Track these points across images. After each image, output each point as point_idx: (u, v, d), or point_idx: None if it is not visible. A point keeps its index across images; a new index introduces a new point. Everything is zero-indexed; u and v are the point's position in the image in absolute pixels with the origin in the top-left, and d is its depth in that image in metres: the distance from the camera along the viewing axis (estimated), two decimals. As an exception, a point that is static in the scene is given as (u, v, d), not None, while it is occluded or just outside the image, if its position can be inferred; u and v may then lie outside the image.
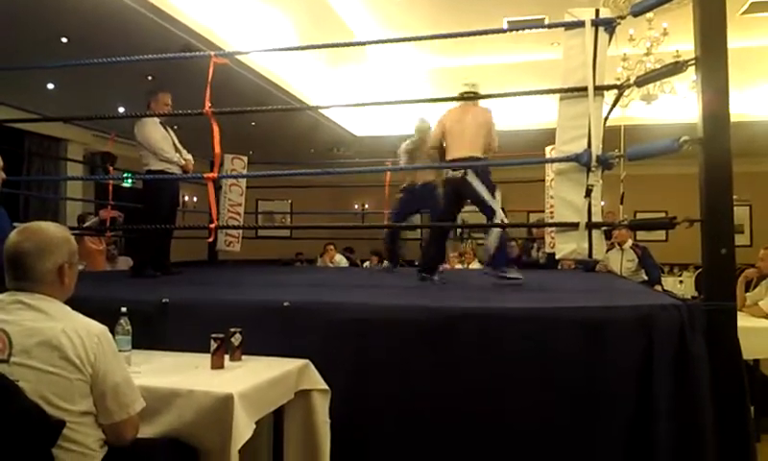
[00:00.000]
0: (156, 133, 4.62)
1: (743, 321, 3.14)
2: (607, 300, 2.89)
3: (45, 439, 1.61)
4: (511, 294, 3.58)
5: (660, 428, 2.28)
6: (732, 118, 2.49)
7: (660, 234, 11.32)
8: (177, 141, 4.83)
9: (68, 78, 6.93)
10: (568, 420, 2.40)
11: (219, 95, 3.64)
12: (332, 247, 8.81)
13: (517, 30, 3.59)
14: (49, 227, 1.87)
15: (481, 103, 4.15)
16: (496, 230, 3.97)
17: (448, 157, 4.06)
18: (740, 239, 11.02)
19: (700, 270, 2.58)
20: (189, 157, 4.86)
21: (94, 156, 9.20)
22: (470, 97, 4.03)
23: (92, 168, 9.19)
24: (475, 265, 8.61)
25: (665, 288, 6.00)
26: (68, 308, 1.82)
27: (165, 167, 4.63)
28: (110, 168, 7.09)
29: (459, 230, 10.36)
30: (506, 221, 4.11)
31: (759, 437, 3.59)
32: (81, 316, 1.81)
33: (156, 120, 4.66)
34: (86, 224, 6.31)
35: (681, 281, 9.37)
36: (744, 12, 6.41)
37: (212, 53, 3.68)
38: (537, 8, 6.36)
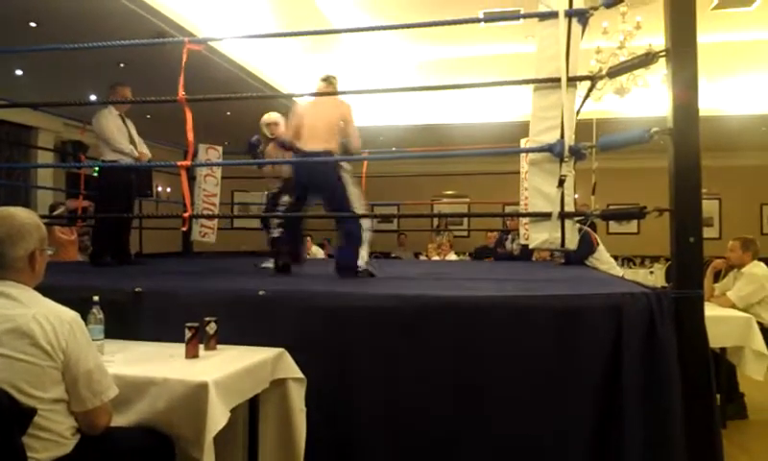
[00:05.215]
0: (112, 124, 4.82)
1: (710, 310, 3.22)
2: (578, 288, 2.93)
3: (15, 427, 1.59)
4: (486, 283, 3.63)
5: (630, 413, 2.33)
6: (703, 113, 2.54)
7: (633, 227, 11.54)
8: (134, 133, 5.00)
9: (38, 64, 6.77)
10: (541, 404, 2.45)
11: (193, 84, 3.59)
12: (309, 238, 8.78)
13: (493, 21, 3.61)
14: (19, 212, 1.84)
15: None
16: None
17: None
18: (710, 232, 11.28)
19: (670, 262, 2.64)
20: (145, 150, 5.03)
21: (65, 144, 9.03)
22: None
23: (63, 157, 9.03)
24: (452, 256, 8.67)
25: (636, 280, 6.09)
26: (39, 295, 1.80)
27: (118, 158, 4.81)
28: (82, 157, 6.98)
29: (436, 222, 10.46)
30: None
31: (725, 423, 3.69)
32: (52, 302, 1.79)
33: (115, 112, 4.88)
34: (56, 213, 6.21)
35: (651, 272, 9.56)
36: (715, 8, 6.52)
37: (186, 39, 3.63)
38: (517, 1, 6.37)
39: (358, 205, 3.93)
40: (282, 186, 5.12)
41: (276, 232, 4.60)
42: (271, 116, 5.26)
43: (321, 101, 4.11)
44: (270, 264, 4.69)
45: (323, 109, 4.04)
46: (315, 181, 3.97)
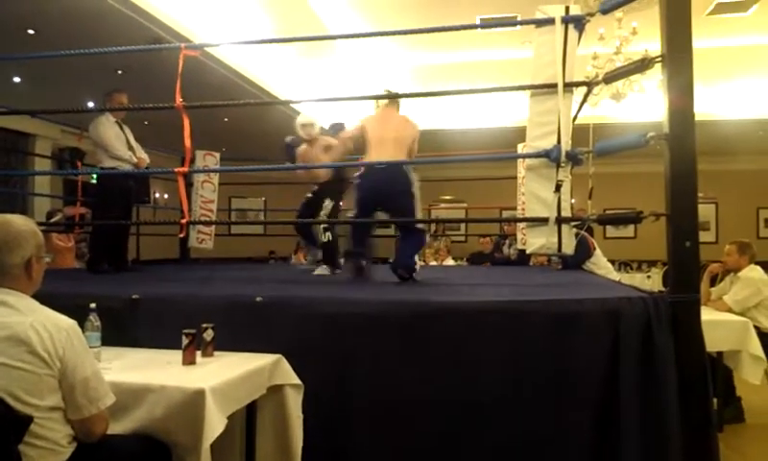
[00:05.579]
0: (110, 131, 4.78)
1: (707, 314, 3.22)
2: (575, 293, 2.94)
3: (12, 435, 1.58)
4: (484, 288, 3.63)
5: (627, 417, 2.33)
6: (699, 117, 2.55)
7: (630, 231, 11.56)
8: (132, 140, 4.97)
9: (35, 71, 6.78)
10: (539, 408, 2.45)
11: (190, 90, 3.60)
12: (306, 245, 8.77)
13: (489, 27, 3.62)
14: (16, 220, 1.84)
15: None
16: None
17: None
18: (706, 236, 11.30)
19: (667, 267, 2.64)
20: (143, 155, 5.00)
21: (62, 151, 9.03)
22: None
23: (60, 164, 9.03)
24: (449, 262, 8.67)
25: (633, 285, 6.06)
26: (36, 303, 1.80)
27: (117, 165, 4.78)
28: (79, 163, 6.98)
29: (434, 228, 10.46)
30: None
31: (722, 427, 3.69)
32: (49, 310, 1.78)
33: (112, 119, 4.84)
34: (53, 220, 6.20)
35: (648, 277, 9.58)
36: (710, 13, 6.56)
37: (183, 45, 3.63)
38: (513, 7, 6.40)
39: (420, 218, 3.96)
40: (318, 191, 5.10)
41: (325, 237, 4.68)
42: (307, 117, 5.16)
43: (390, 117, 4.06)
44: (324, 271, 4.69)
45: (393, 125, 4.01)
46: (389, 195, 3.88)
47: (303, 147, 5.11)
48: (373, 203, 4.00)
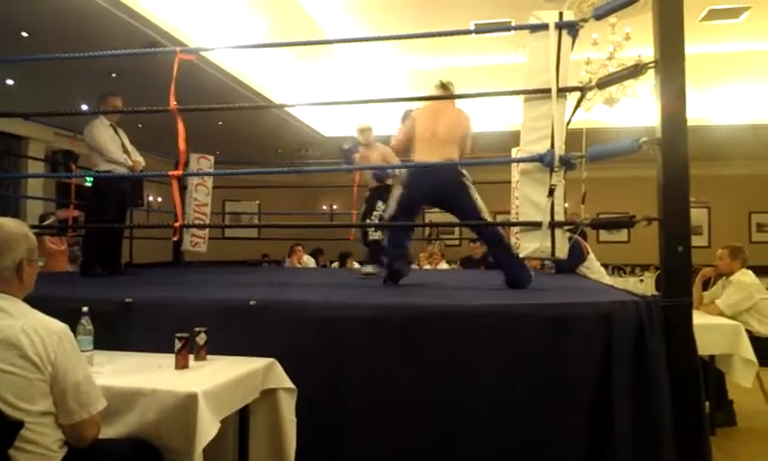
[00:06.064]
0: (104, 135, 4.79)
1: (699, 318, 3.24)
2: (569, 297, 2.95)
3: (2, 440, 1.57)
4: (478, 292, 3.64)
5: (619, 420, 2.34)
6: (692, 122, 2.57)
7: (623, 236, 11.61)
8: (127, 143, 4.97)
9: (29, 74, 6.76)
10: (532, 412, 2.46)
11: (184, 93, 3.59)
12: (300, 248, 8.78)
13: (484, 32, 3.63)
14: (7, 223, 1.84)
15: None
16: None
17: None
18: (699, 240, 11.36)
19: (660, 271, 2.66)
20: (139, 158, 5.01)
21: (56, 154, 9.00)
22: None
23: (54, 166, 8.99)
24: (443, 266, 8.68)
25: (626, 288, 6.07)
26: (28, 306, 1.79)
27: (112, 168, 4.78)
28: (73, 166, 6.96)
29: (428, 232, 10.47)
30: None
31: (714, 430, 3.71)
32: (40, 314, 1.78)
33: (106, 122, 4.85)
34: (46, 223, 6.18)
35: (641, 281, 9.59)
36: (703, 19, 6.59)
37: (178, 48, 3.63)
38: (508, 12, 6.42)
39: (486, 214, 3.76)
40: (369, 196, 5.20)
41: (375, 236, 4.72)
42: (365, 122, 5.27)
43: (442, 108, 3.86)
44: (371, 269, 4.77)
45: (445, 117, 3.81)
46: (443, 194, 3.69)
47: (361, 151, 5.16)
48: (422, 202, 3.91)
